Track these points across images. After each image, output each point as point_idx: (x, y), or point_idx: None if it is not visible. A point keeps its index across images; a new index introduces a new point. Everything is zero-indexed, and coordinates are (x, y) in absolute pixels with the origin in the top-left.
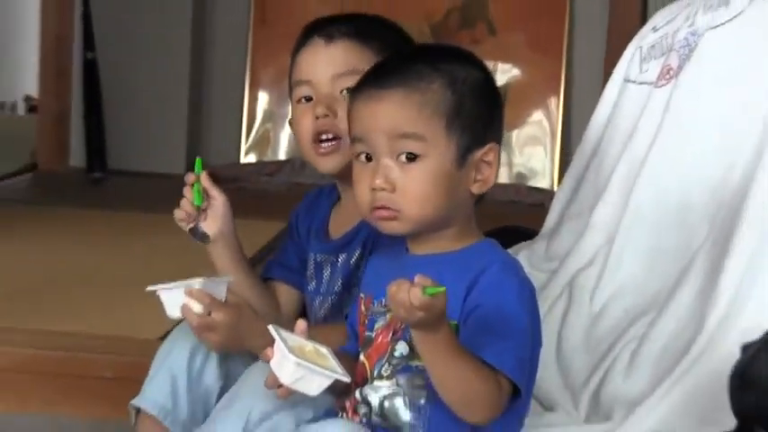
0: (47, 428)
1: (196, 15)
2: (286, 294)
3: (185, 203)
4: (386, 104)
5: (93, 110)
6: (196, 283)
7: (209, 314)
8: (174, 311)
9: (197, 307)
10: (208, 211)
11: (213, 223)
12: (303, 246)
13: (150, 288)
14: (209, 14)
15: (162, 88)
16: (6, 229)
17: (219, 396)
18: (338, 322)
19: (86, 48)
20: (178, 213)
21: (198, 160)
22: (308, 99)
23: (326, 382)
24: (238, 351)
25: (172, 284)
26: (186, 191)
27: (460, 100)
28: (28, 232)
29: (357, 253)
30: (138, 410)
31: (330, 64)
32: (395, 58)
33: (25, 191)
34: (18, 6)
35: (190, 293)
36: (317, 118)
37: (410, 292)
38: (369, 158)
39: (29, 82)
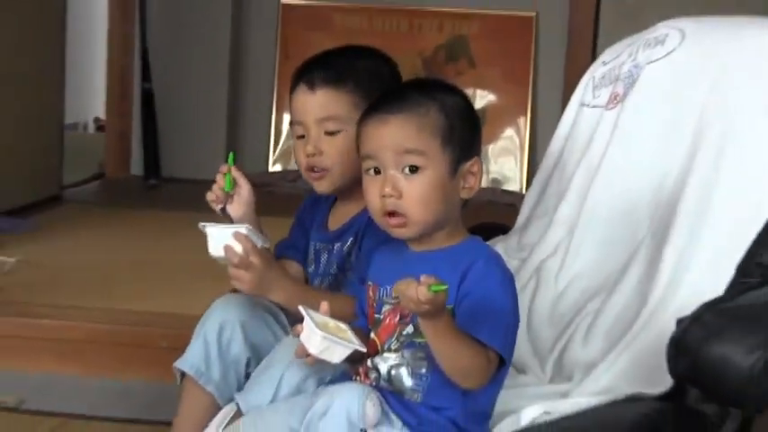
0: (114, 389)
1: (233, 52)
2: (294, 270)
3: (216, 188)
4: (392, 126)
5: (150, 129)
6: (243, 228)
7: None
8: (216, 250)
9: (239, 248)
10: (235, 196)
11: (239, 207)
12: (308, 233)
13: (201, 224)
14: (244, 52)
15: (205, 111)
16: (79, 227)
17: (247, 365)
18: (340, 293)
19: (144, 79)
20: (209, 195)
21: (231, 154)
22: (302, 136)
23: (347, 352)
24: (263, 297)
25: (220, 225)
26: (219, 177)
27: (451, 122)
28: (97, 229)
29: (349, 242)
30: (183, 374)
31: (314, 110)
32: (396, 90)
33: (95, 195)
34: (89, 45)
35: (237, 236)
36: (308, 156)
37: (418, 290)
38: (377, 172)
39: (98, 106)
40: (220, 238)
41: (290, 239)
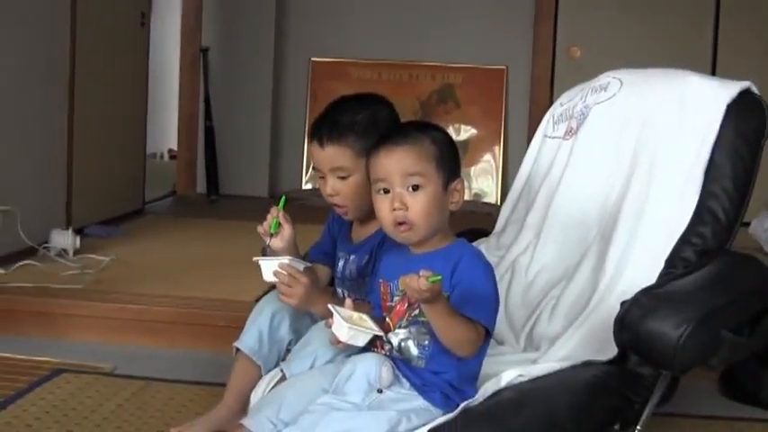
0: (185, 358)
1: (274, 97)
2: (323, 272)
3: (265, 224)
4: (398, 155)
5: (211, 156)
6: (286, 259)
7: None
8: (268, 276)
9: (284, 273)
10: (279, 235)
11: (280, 242)
12: (335, 240)
13: (255, 258)
14: (282, 97)
15: (253, 143)
16: (158, 233)
17: (289, 344)
18: (365, 301)
19: (207, 118)
20: (259, 228)
21: (283, 198)
22: (323, 177)
23: (369, 337)
24: (305, 311)
25: (269, 258)
26: (269, 217)
27: (441, 151)
28: (171, 234)
29: (366, 257)
30: (237, 349)
31: (325, 162)
32: (398, 129)
33: (169, 208)
34: (165, 93)
35: (282, 265)
36: (328, 195)
37: (419, 282)
38: (386, 191)
39: (171, 140)
40: (270, 268)
41: (321, 245)
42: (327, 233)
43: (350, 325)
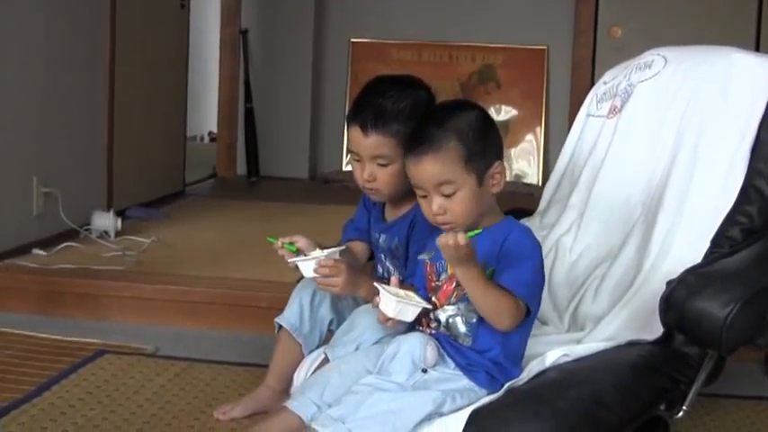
0: (227, 339)
1: (314, 79)
2: (360, 248)
3: (287, 256)
4: (425, 165)
5: (251, 138)
6: (322, 254)
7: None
8: (308, 273)
9: (324, 269)
10: (300, 243)
11: (306, 247)
12: (370, 217)
13: (290, 260)
14: (323, 79)
15: (293, 125)
16: (198, 215)
17: (330, 323)
18: (406, 282)
19: (247, 101)
20: (290, 263)
21: (269, 237)
22: (358, 160)
23: (417, 310)
24: (349, 295)
25: (304, 257)
26: (282, 252)
27: (469, 148)
28: (212, 216)
29: (396, 239)
30: (280, 327)
31: (367, 149)
32: (422, 133)
33: (210, 190)
34: (205, 77)
35: (319, 262)
36: (365, 180)
37: (458, 237)
38: (425, 195)
39: (211, 122)
40: (309, 265)
41: (356, 222)
42: (363, 209)
43: (398, 299)
